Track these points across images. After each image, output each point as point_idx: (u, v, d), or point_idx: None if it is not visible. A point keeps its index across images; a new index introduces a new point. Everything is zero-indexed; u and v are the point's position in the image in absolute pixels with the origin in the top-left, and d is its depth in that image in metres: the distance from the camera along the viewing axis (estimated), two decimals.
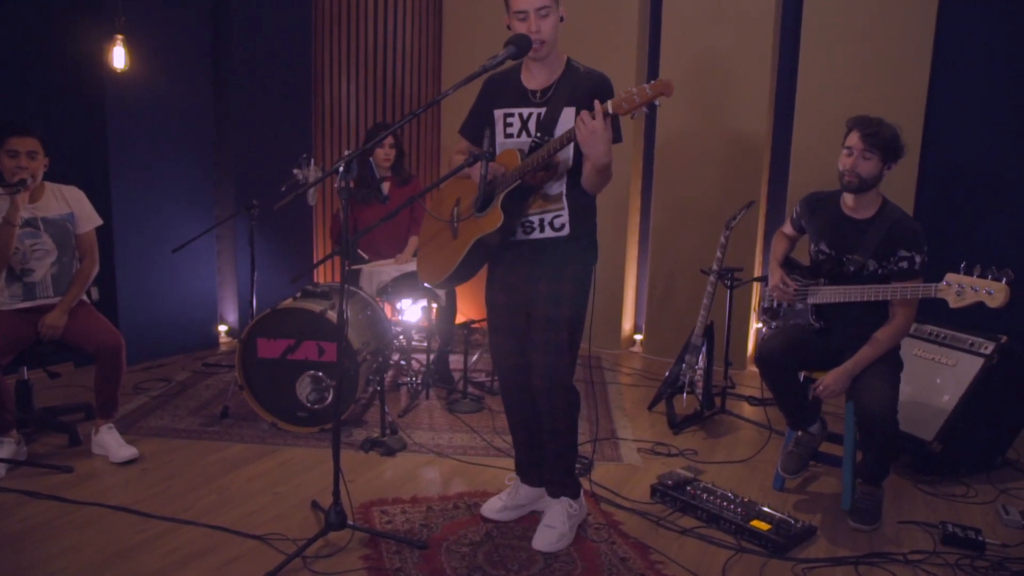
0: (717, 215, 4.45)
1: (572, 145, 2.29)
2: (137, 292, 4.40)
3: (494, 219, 2.35)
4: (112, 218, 4.20)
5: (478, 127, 2.56)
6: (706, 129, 4.56)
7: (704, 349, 3.66)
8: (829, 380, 2.71)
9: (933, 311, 3.19)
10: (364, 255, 4.30)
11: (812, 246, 2.93)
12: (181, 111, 4.50)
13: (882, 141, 2.61)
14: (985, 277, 2.34)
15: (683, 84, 4.60)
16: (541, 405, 2.52)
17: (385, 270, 4.03)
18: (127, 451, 3.11)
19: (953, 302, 2.37)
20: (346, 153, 2.37)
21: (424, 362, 4.12)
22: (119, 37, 3.48)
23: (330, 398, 3.39)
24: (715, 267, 3.66)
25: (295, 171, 4.05)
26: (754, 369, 4.59)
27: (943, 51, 4.06)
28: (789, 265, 3.05)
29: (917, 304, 2.72)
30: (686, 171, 4.64)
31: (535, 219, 2.43)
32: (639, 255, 5.08)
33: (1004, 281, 2.29)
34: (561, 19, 2.38)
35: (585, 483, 2.90)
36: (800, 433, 2.99)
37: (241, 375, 3.47)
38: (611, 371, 4.62)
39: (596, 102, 2.14)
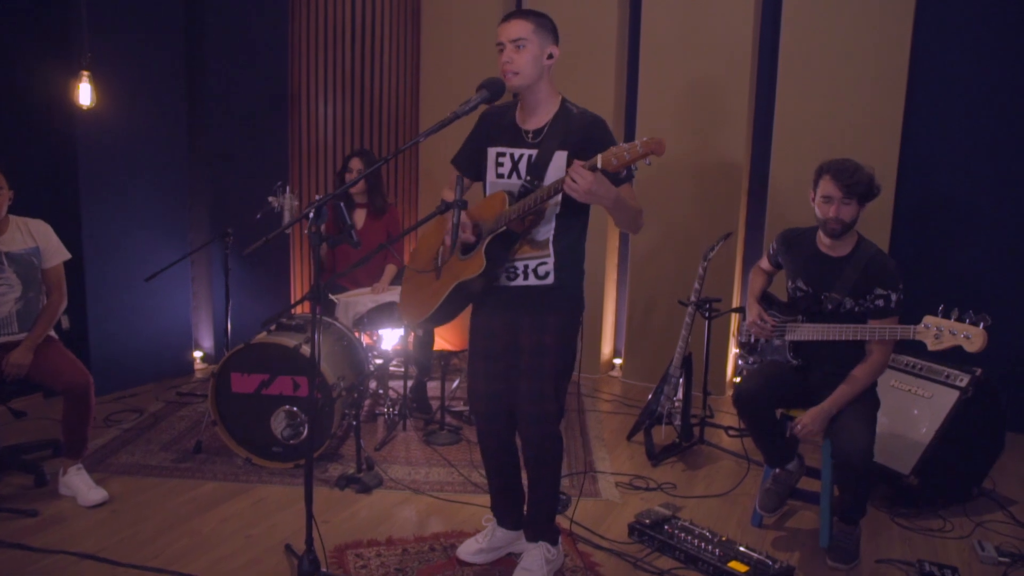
0: (696, 241, 4.46)
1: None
2: (109, 320, 4.32)
3: (476, 264, 2.31)
4: (83, 246, 4.12)
5: (470, 160, 2.52)
6: (685, 157, 4.56)
7: (682, 380, 3.64)
8: (807, 420, 2.70)
9: (910, 342, 3.21)
10: (340, 283, 4.25)
11: (789, 283, 2.93)
12: (153, 137, 4.43)
13: (861, 188, 2.62)
14: (963, 321, 2.34)
15: (661, 113, 4.62)
16: (526, 451, 2.50)
17: (361, 301, 3.98)
18: (96, 495, 3.04)
19: (931, 345, 2.37)
20: (317, 198, 2.33)
21: (401, 390, 4.08)
22: (84, 74, 3.40)
23: (305, 433, 3.34)
24: (693, 298, 3.65)
25: (270, 199, 4.03)
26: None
27: (918, 81, 4.09)
28: (767, 300, 3.05)
29: (894, 342, 2.72)
30: (665, 197, 4.63)
31: (519, 265, 2.38)
32: (618, 278, 5.07)
33: (982, 326, 2.29)
34: (550, 56, 2.33)
35: (563, 521, 2.87)
36: (778, 471, 2.99)
37: (215, 410, 3.42)
38: (590, 397, 4.60)
39: (577, 162, 2.09)
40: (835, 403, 2.68)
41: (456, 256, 2.38)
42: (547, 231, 2.36)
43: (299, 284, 5.24)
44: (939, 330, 2.32)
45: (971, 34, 4.00)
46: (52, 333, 3.26)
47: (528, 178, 2.33)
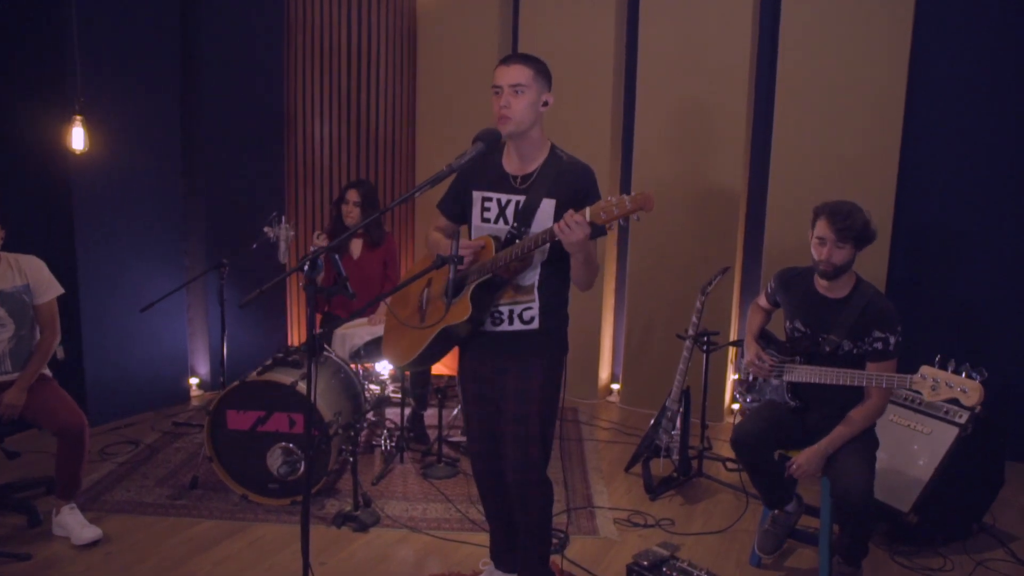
0: (692, 267, 4.45)
1: None
2: (104, 350, 4.29)
3: (462, 310, 2.30)
4: (78, 276, 4.10)
5: (456, 204, 2.51)
6: (682, 182, 4.55)
7: (680, 414, 3.62)
8: (802, 460, 2.69)
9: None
10: (336, 314, 4.23)
11: (787, 323, 2.92)
12: (148, 167, 4.40)
13: (855, 232, 2.61)
14: (960, 373, 2.32)
15: (658, 138, 4.61)
16: (514, 499, 2.49)
17: (357, 333, 3.96)
18: (90, 532, 3.01)
19: (928, 395, 2.35)
20: (312, 250, 2.31)
21: (398, 419, 4.06)
22: (77, 118, 3.36)
23: (302, 469, 3.33)
24: (691, 332, 3.63)
25: (265, 229, 4.02)
26: (732, 420, 4.58)
27: (916, 105, 4.08)
28: (765, 338, 3.04)
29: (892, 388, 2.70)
30: (662, 222, 4.61)
31: (504, 310, 2.38)
32: (616, 303, 5.05)
33: (978, 380, 2.27)
34: (545, 103, 2.32)
35: (561, 561, 2.85)
36: (777, 512, 2.97)
37: (210, 446, 3.39)
38: (588, 425, 4.57)
39: (571, 212, 2.08)
40: (831, 443, 2.67)
41: (442, 300, 2.37)
42: (532, 276, 2.36)
43: (295, 312, 5.23)
44: (935, 381, 2.30)
45: (969, 58, 3.99)
46: (46, 371, 3.24)
47: (515, 225, 2.32)
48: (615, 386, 5.08)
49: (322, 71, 5.15)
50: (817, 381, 2.72)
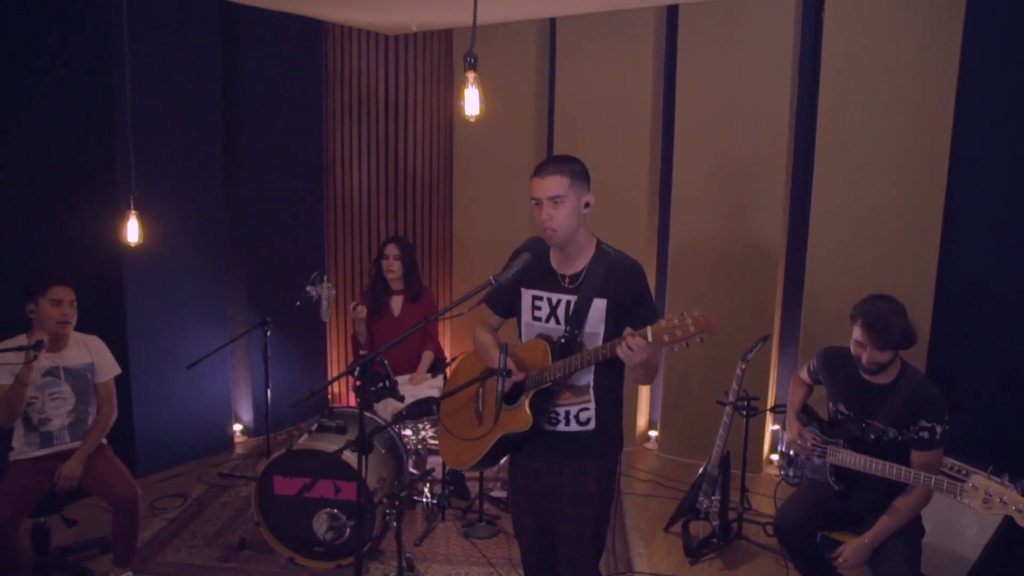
0: (730, 325, 4.42)
1: (601, 334, 2.28)
2: (152, 404, 4.40)
3: (522, 420, 2.30)
4: (127, 332, 4.22)
5: (504, 299, 2.51)
6: (720, 237, 4.54)
7: (720, 480, 3.62)
8: (848, 553, 2.68)
9: (954, 445, 3.16)
10: (377, 372, 4.29)
11: (830, 404, 2.91)
12: (194, 229, 4.52)
13: (893, 344, 2.59)
14: (1014, 486, 2.26)
15: (697, 192, 4.61)
16: None
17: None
18: None
19: (979, 508, 2.30)
20: (362, 353, 2.36)
21: (438, 468, 4.11)
22: (132, 212, 3.46)
23: (347, 534, 3.40)
24: (731, 398, 3.63)
25: (308, 288, 4.10)
26: (770, 472, 4.56)
27: (960, 160, 4.01)
28: (807, 413, 3.03)
29: (938, 471, 2.68)
30: (699, 276, 4.62)
31: (560, 411, 2.37)
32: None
33: None
34: (587, 205, 2.31)
35: None
36: None
37: (258, 511, 3.48)
38: (626, 476, 4.58)
39: (632, 334, 2.08)
40: (876, 537, 2.65)
41: (498, 404, 2.38)
42: (587, 377, 2.36)
43: (334, 354, 5.33)
44: (988, 495, 2.26)
45: (1016, 110, 3.91)
46: (102, 440, 3.35)
47: (568, 328, 2.32)
48: (652, 433, 5.08)
49: (359, 122, 5.24)
50: (861, 469, 2.71)
